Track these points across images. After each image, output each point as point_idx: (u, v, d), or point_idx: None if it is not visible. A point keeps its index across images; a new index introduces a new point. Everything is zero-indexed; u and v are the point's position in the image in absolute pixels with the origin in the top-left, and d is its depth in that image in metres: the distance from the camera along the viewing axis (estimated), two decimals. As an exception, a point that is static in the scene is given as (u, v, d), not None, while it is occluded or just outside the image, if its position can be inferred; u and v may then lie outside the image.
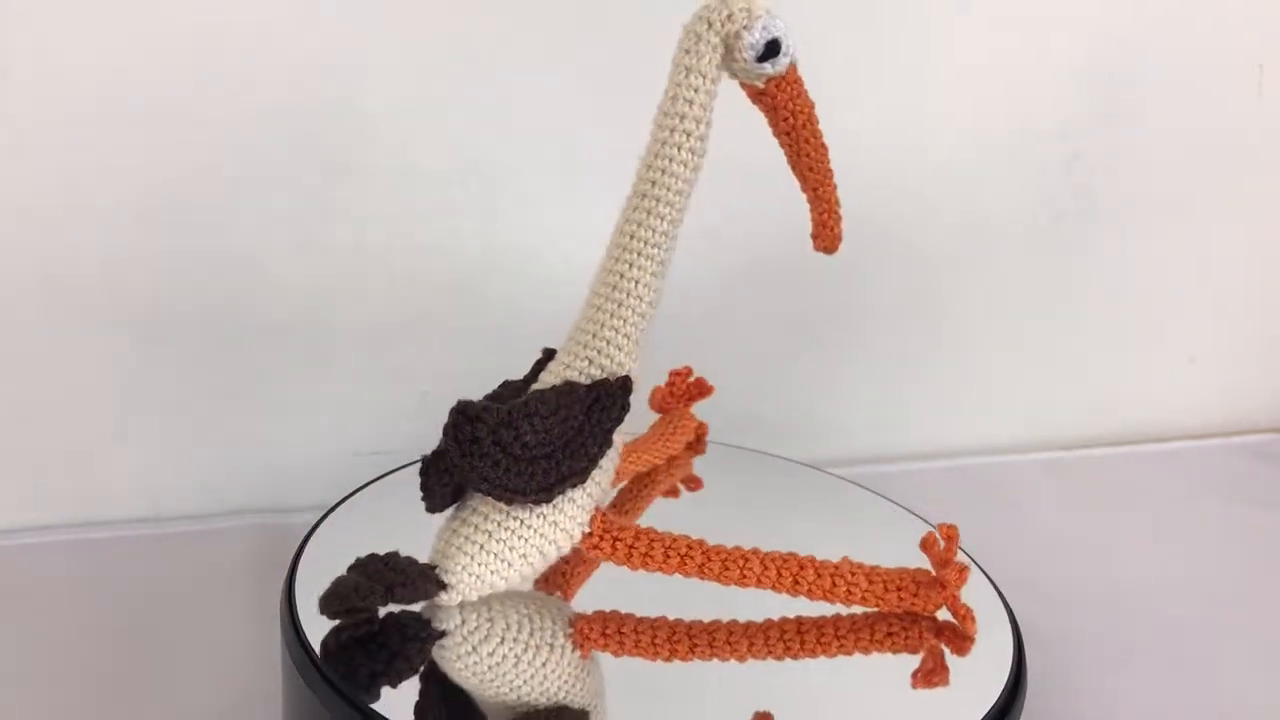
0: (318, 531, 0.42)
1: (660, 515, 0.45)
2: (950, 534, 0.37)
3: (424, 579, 0.35)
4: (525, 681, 0.34)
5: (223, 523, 0.58)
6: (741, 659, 0.35)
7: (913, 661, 0.36)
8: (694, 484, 0.50)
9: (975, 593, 0.41)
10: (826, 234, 0.36)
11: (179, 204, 0.54)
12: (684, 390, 0.52)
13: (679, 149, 0.35)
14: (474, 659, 0.34)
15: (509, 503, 0.35)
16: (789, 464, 0.52)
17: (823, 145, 0.36)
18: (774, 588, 0.36)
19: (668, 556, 0.36)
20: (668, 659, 0.35)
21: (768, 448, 0.53)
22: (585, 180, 0.60)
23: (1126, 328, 0.74)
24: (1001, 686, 0.35)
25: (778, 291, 0.65)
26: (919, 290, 0.68)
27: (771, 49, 0.34)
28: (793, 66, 0.35)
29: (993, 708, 0.34)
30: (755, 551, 0.36)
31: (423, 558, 0.41)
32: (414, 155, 0.57)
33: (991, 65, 0.65)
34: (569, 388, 0.35)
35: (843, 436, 0.70)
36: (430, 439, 0.61)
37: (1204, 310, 0.76)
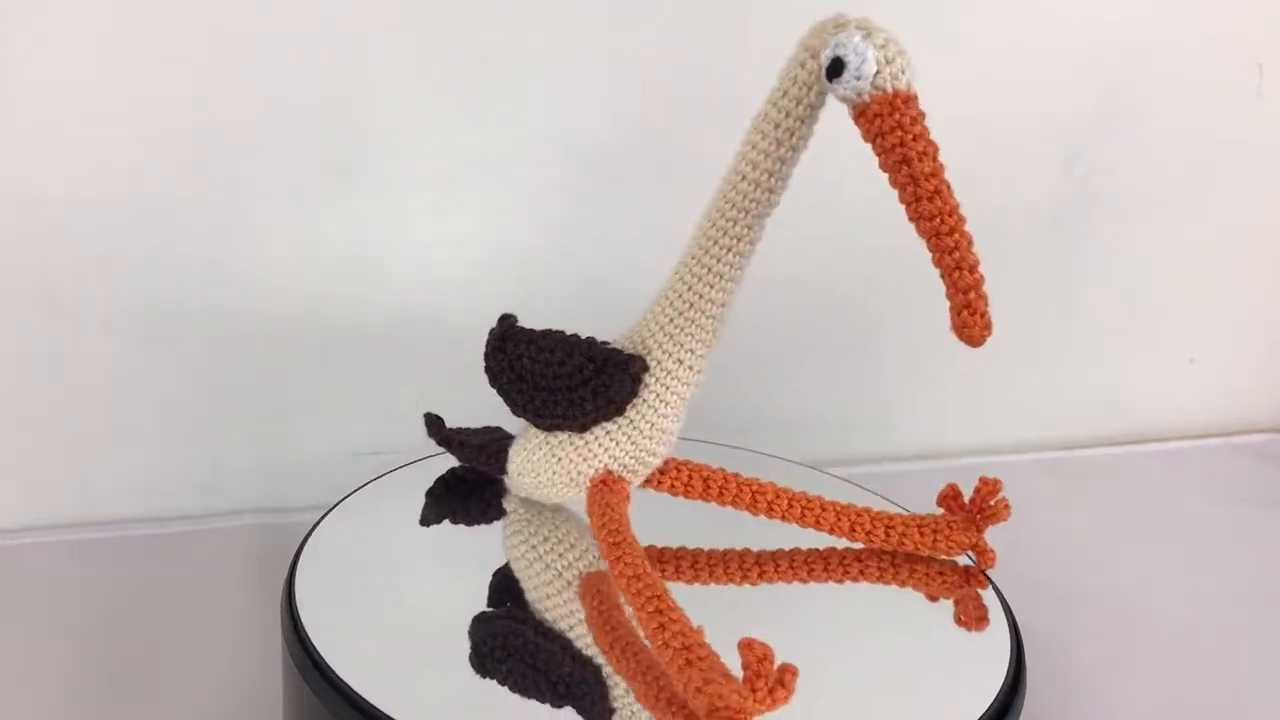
0: (317, 531, 0.42)
1: (667, 512, 0.45)
2: (752, 655, 0.27)
3: (481, 452, 0.43)
4: (535, 589, 0.37)
5: (223, 523, 0.58)
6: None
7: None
8: (976, 620, 0.39)
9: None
10: (953, 316, 0.30)
11: (179, 204, 0.54)
12: (973, 501, 0.42)
13: (742, 158, 0.34)
14: (508, 545, 0.40)
15: (512, 412, 0.40)
16: (789, 464, 0.52)
17: (932, 200, 0.30)
18: (637, 616, 0.31)
19: (599, 533, 0.36)
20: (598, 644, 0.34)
21: (768, 448, 0.53)
22: (585, 180, 0.60)
23: (1126, 328, 0.74)
24: (1000, 686, 0.35)
25: (778, 292, 0.65)
26: (919, 290, 0.68)
27: (834, 68, 0.31)
28: (883, 98, 0.31)
29: (991, 706, 0.34)
30: (648, 577, 0.32)
31: (422, 556, 0.42)
32: (414, 155, 0.57)
33: (992, 65, 0.65)
34: (588, 343, 0.38)
35: (843, 436, 0.70)
36: (430, 439, 0.61)
37: (1204, 310, 0.76)
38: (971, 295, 0.31)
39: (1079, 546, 0.60)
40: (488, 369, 0.40)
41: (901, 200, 0.31)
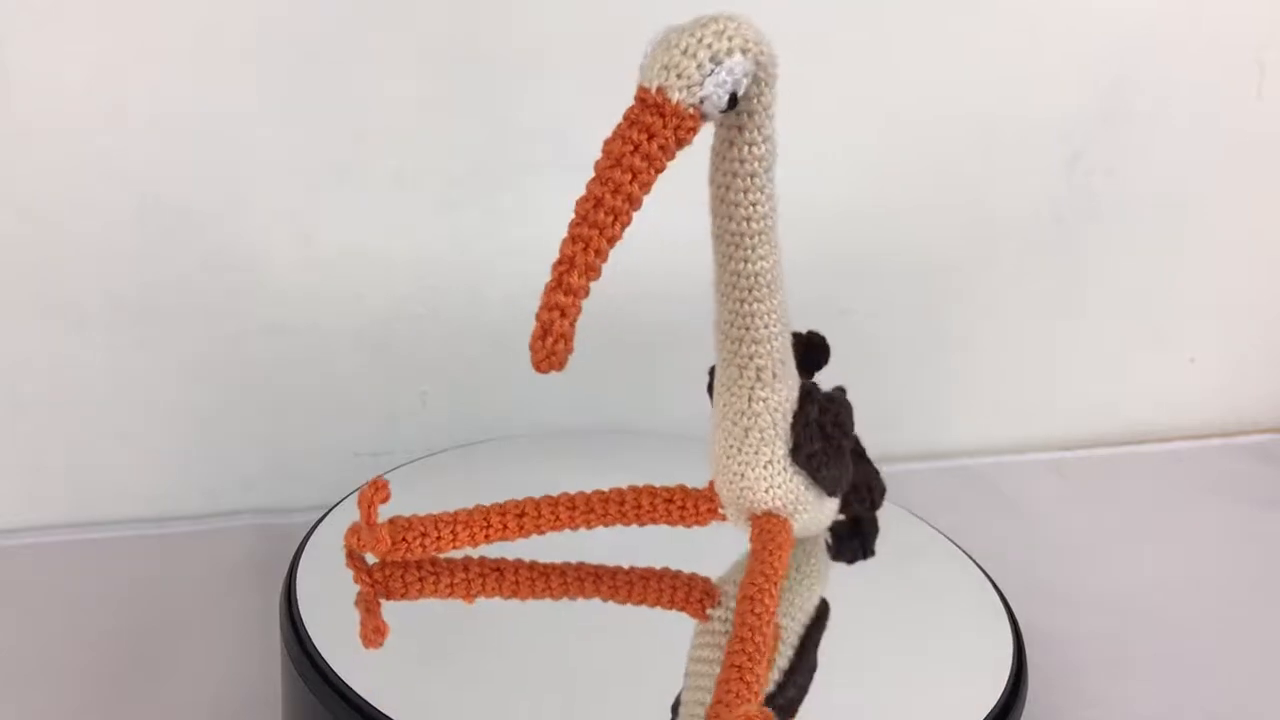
0: (318, 531, 0.42)
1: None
2: None
3: None
4: None
5: (223, 523, 0.58)
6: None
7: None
8: None
9: (976, 592, 0.41)
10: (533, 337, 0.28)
11: (179, 204, 0.54)
12: None
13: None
14: None
15: None
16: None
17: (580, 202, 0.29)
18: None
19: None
20: None
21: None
22: (585, 180, 0.60)
23: (1126, 328, 0.74)
24: (1001, 686, 0.35)
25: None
26: (919, 290, 0.68)
27: None
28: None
29: (993, 708, 0.34)
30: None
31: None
32: (414, 155, 0.57)
33: (993, 65, 0.65)
34: None
35: (843, 436, 0.70)
36: (430, 439, 0.61)
37: (1204, 310, 0.76)
38: (551, 313, 0.29)
39: (1079, 546, 0.60)
40: None
41: None
